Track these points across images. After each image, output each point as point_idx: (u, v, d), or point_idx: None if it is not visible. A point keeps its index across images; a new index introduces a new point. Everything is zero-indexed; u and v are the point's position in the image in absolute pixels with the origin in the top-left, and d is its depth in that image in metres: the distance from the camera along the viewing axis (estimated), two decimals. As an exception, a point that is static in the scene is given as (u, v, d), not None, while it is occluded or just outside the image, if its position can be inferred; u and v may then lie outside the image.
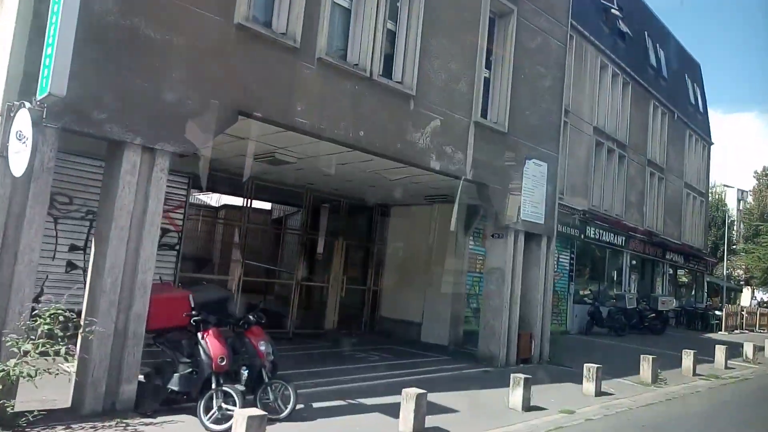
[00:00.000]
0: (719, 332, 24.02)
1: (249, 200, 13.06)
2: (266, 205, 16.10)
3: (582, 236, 19.71)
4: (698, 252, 30.02)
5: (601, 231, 20.91)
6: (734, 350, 15.74)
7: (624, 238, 22.52)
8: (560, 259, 18.87)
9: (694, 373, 12.51)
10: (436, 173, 10.51)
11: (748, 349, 15.59)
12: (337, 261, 14.79)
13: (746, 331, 26.01)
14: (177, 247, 11.33)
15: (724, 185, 66.11)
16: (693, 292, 30.77)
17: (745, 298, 61.34)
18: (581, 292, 20.47)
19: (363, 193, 14.31)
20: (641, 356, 11.34)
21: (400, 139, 9.70)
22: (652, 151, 25.38)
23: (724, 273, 44.91)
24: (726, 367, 13.93)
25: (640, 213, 24.36)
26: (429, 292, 14.39)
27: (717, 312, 24.76)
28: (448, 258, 14.02)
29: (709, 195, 68.75)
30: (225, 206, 15.88)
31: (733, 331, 25.11)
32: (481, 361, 11.72)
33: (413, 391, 6.66)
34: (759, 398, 10.92)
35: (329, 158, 10.24)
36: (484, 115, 11.60)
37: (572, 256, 19.41)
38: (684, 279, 29.57)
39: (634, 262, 23.75)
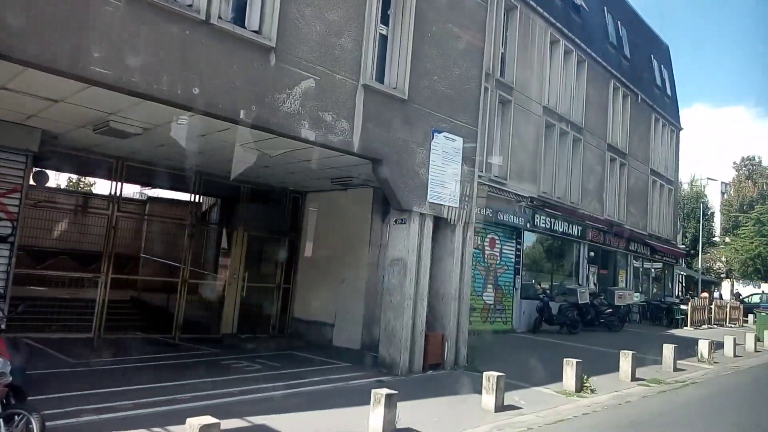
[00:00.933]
0: (684, 328, 22.48)
1: (119, 184, 11.20)
2: (163, 193, 14.28)
3: (529, 225, 18.04)
4: (667, 243, 28.51)
5: (552, 220, 19.26)
6: (691, 348, 14.15)
7: (580, 228, 20.89)
8: (504, 251, 17.20)
9: (633, 378, 10.85)
10: (312, 144, 8.73)
11: (703, 347, 13.98)
12: (236, 255, 12.98)
13: (714, 326, 24.53)
14: (11, 239, 9.45)
15: (708, 178, 65.01)
16: (663, 286, 29.27)
17: (726, 291, 60.43)
18: (540, 286, 18.81)
19: (263, 177, 12.51)
20: (564, 360, 9.64)
21: (257, 101, 7.91)
22: (613, 135, 23.78)
23: (700, 266, 43.52)
24: (675, 369, 12.30)
25: (600, 201, 22.74)
26: (342, 289, 12.61)
27: (683, 307, 23.21)
28: (361, 249, 12.25)
29: (692, 186, 68.13)
30: (87, 192, 14.02)
31: (700, 326, 23.60)
32: (381, 369, 9.98)
33: (196, 421, 4.89)
34: (698, 411, 9.22)
35: (178, 127, 8.44)
36: (380, 78, 9.87)
37: (519, 247, 17.73)
38: (654, 272, 28.03)
39: (592, 253, 22.12)
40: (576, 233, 20.70)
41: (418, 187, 10.13)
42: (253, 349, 11.72)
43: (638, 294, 24.38)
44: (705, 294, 39.68)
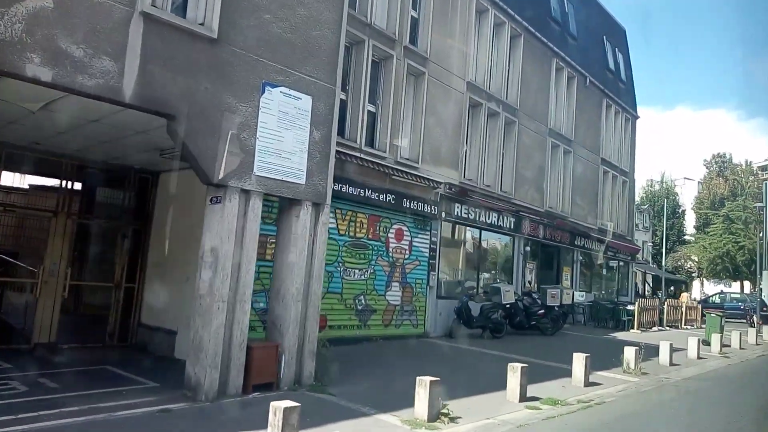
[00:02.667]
0: (631, 331, 20.42)
1: None
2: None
3: (447, 216, 15.79)
4: (620, 238, 26.53)
5: (478, 210, 17.05)
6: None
7: (514, 220, 18.73)
8: (416, 244, 14.94)
9: (523, 398, 8.63)
10: (49, 87, 6.36)
11: (629, 355, 11.83)
12: (56, 247, 10.53)
13: (666, 329, 22.54)
14: None
15: (685, 178, 63.43)
16: (617, 285, 27.28)
17: (696, 290, 58.97)
18: (459, 284, 16.61)
19: (84, 150, 10.12)
20: (417, 378, 7.38)
21: (-54, 20, 5.54)
22: (556, 119, 21.69)
23: (664, 264, 41.85)
24: (588, 384, 10.14)
25: (539, 191, 20.62)
26: (187, 289, 10.23)
27: (629, 307, 21.16)
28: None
29: (662, 184, 66.62)
30: None
31: (650, 328, 21.59)
32: (186, 392, 7.63)
33: None
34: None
35: None
36: (178, 10, 7.55)
37: (434, 239, 15.48)
38: (605, 270, 25.99)
39: (528, 248, 19.98)
40: (508, 226, 18.52)
41: (239, 155, 7.80)
42: (60, 363, 9.31)
43: (583, 293, 22.32)
44: (684, 295, 37.92)
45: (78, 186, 11.17)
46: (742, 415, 8.67)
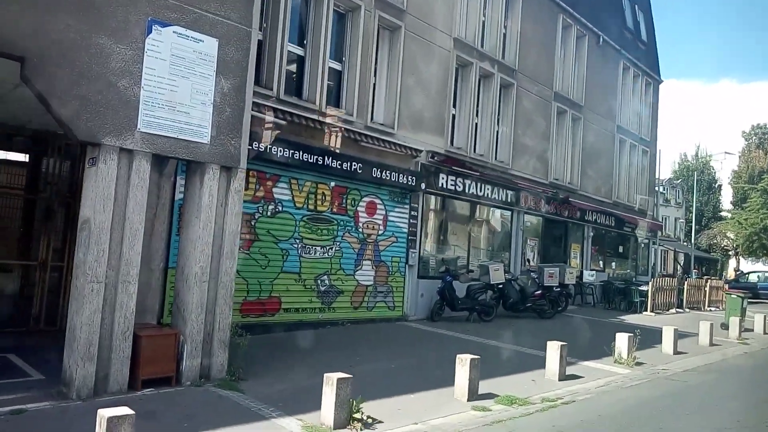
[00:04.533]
0: (644, 313, 18.64)
1: None
2: None
3: (429, 188, 14.27)
4: (640, 213, 24.53)
5: (467, 181, 15.47)
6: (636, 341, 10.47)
7: (512, 193, 17.07)
8: (391, 219, 13.51)
9: (474, 396, 7.23)
10: None
11: (621, 342, 10.24)
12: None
13: (686, 311, 20.65)
14: None
15: (725, 152, 59.76)
16: (635, 263, 25.34)
17: (731, 269, 55.83)
18: (443, 263, 15.14)
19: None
20: (325, 376, 6.02)
21: None
22: (563, 83, 19.79)
23: (693, 242, 39.37)
24: (563, 377, 8.66)
25: (543, 161, 18.86)
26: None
27: (642, 288, 19.32)
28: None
29: (697, 158, 63.29)
30: None
31: (667, 310, 19.75)
32: (62, 388, 6.46)
33: None
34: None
35: None
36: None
37: (414, 213, 14.01)
38: (621, 247, 24.08)
39: (529, 224, 18.32)
40: (505, 199, 16.88)
41: (117, 107, 6.48)
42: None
43: (593, 272, 20.54)
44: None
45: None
46: (743, 425, 7.06)
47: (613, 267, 23.62)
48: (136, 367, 6.70)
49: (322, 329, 11.64)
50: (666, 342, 11.66)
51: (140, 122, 6.67)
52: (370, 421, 6.04)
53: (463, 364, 7.31)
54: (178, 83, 6.98)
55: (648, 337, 12.34)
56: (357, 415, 5.95)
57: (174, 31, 6.94)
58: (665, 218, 46.28)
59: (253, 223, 10.86)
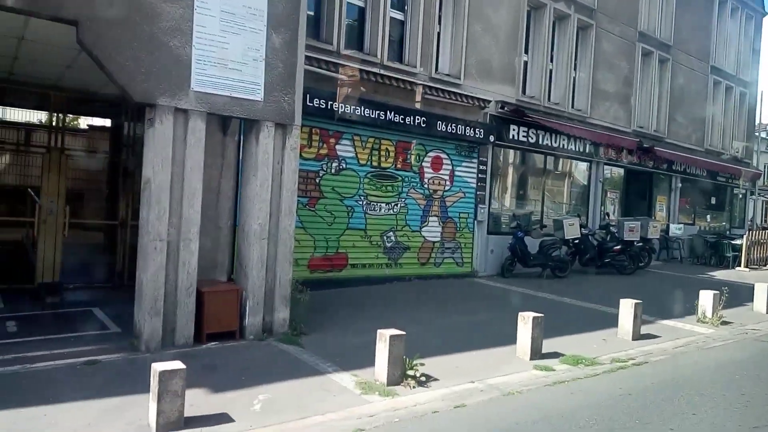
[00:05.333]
0: (737, 269, 17.32)
1: None
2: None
3: (496, 140, 13.68)
4: (735, 162, 22.58)
5: (540, 133, 14.73)
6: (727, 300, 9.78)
7: (589, 144, 16.11)
8: (459, 174, 13.14)
9: (538, 355, 6.97)
10: None
11: (705, 300, 9.53)
12: (52, 183, 10.07)
13: (787, 266, 19.00)
14: None
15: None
16: (729, 216, 23.53)
17: None
18: (514, 217, 14.61)
19: (73, 79, 9.40)
20: (378, 332, 5.95)
21: None
22: (648, 21, 18.21)
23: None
24: (637, 337, 8.18)
25: (625, 108, 17.62)
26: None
27: (735, 242, 17.88)
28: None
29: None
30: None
31: (764, 265, 18.25)
32: (133, 341, 6.82)
33: None
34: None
35: None
36: None
37: (483, 168, 13.55)
38: (713, 199, 22.35)
39: (609, 175, 17.29)
40: (582, 149, 15.98)
41: (170, 67, 6.52)
42: (49, 304, 8.93)
43: (680, 226, 19.22)
44: None
45: (71, 119, 10.58)
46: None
47: (708, 220, 22.07)
48: (201, 321, 6.93)
49: (389, 285, 11.64)
50: (758, 300, 10.76)
51: (193, 81, 6.70)
52: (424, 378, 5.94)
53: (525, 322, 7.04)
54: (228, 40, 6.92)
55: (738, 295, 11.50)
56: (411, 372, 5.87)
57: (223, -14, 6.84)
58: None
59: (317, 181, 10.87)
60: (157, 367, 4.63)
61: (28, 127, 13.13)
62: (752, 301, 10.91)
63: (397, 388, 5.75)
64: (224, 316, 7.10)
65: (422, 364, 5.99)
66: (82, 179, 12.40)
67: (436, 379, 6.05)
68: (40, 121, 11.38)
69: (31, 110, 11.87)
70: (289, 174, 7.54)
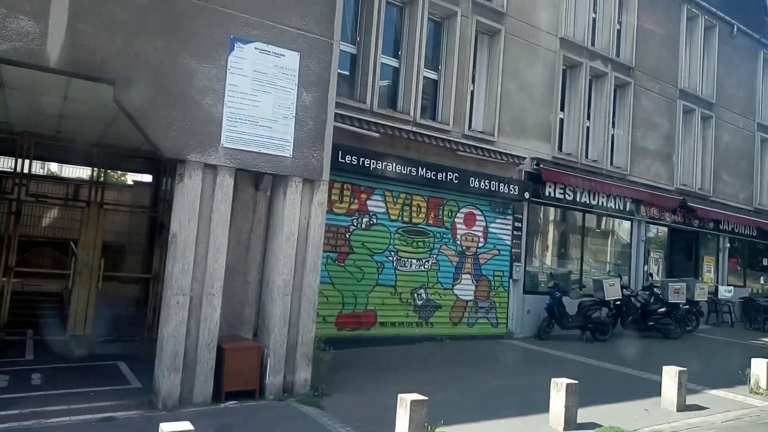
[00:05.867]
0: (796, 334, 16.25)
1: None
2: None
3: (532, 197, 13.43)
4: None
5: (579, 190, 14.44)
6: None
7: (629, 201, 15.68)
8: (492, 230, 12.91)
9: (572, 426, 6.51)
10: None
11: (758, 368, 8.85)
12: (89, 236, 10.33)
13: None
14: None
15: None
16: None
17: None
18: (552, 277, 14.16)
19: (109, 137, 9.79)
20: (399, 396, 5.66)
21: None
22: (689, 79, 17.98)
23: None
24: (682, 408, 7.61)
25: (667, 166, 17.18)
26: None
27: (791, 305, 16.87)
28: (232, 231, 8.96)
29: None
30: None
31: (827, 331, 17.05)
32: (152, 397, 6.71)
33: None
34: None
35: None
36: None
37: (518, 225, 13.29)
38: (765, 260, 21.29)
39: (651, 234, 16.71)
40: (623, 207, 15.56)
41: (201, 124, 6.67)
42: (77, 357, 8.98)
43: (731, 288, 18.25)
44: None
45: (110, 174, 10.92)
46: None
47: (762, 282, 20.97)
48: (221, 379, 6.79)
49: (419, 345, 11.30)
50: (820, 371, 9.92)
51: (223, 138, 6.82)
52: (441, 451, 5.60)
53: (558, 390, 6.63)
54: (260, 98, 7.07)
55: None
56: (433, 442, 5.54)
57: (256, 47, 7.05)
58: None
59: (347, 236, 10.81)
60: (165, 427, 4.47)
61: (77, 182, 13.67)
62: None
63: (414, 460, 5.41)
64: (245, 374, 6.94)
65: (445, 433, 5.66)
66: (121, 233, 12.64)
67: (454, 453, 5.69)
68: (78, 178, 11.79)
69: (77, 166, 12.30)
70: (315, 229, 7.50)
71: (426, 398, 5.65)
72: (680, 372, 7.64)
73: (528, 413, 7.05)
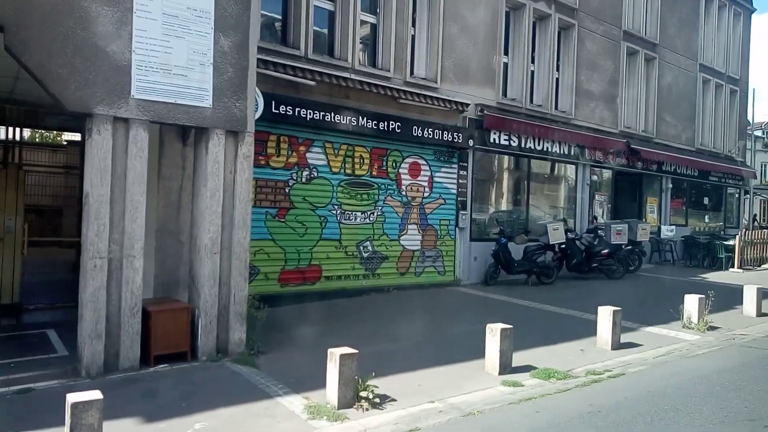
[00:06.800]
0: (730, 270, 16.91)
1: None
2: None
3: (480, 144, 13.33)
4: (727, 160, 22.21)
5: (524, 136, 14.36)
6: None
7: (574, 146, 15.75)
8: (438, 180, 12.76)
9: (508, 369, 6.55)
10: None
11: (691, 305, 9.11)
12: (9, 199, 9.69)
13: (783, 265, 18.58)
14: None
15: None
16: (723, 216, 23.11)
17: None
18: (496, 222, 14.16)
19: (24, 93, 9.07)
20: (328, 351, 5.53)
21: None
22: (633, 20, 17.90)
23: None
24: (617, 346, 7.77)
25: (611, 109, 17.26)
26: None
27: (728, 242, 17.47)
28: (152, 184, 8.48)
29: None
30: None
31: (759, 266, 17.83)
32: (77, 365, 6.40)
33: None
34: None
35: None
36: None
37: (463, 173, 13.17)
38: (707, 199, 21.95)
39: (596, 177, 16.92)
40: (567, 152, 15.61)
41: (107, 74, 6.15)
42: (4, 327, 8.60)
43: (672, 227, 18.80)
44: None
45: (37, 134, 10.22)
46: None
47: (705, 221, 21.68)
48: (148, 343, 6.52)
49: (366, 297, 11.23)
50: (748, 303, 10.35)
51: (134, 88, 6.32)
52: (379, 400, 5.53)
53: (493, 335, 6.63)
54: (172, 44, 6.56)
55: (729, 298, 11.12)
56: (364, 394, 5.45)
57: (164, -12, 6.49)
58: (764, 164, 42.18)
59: (287, 191, 10.49)
60: (71, 398, 4.21)
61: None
62: (742, 303, 10.49)
63: (348, 411, 5.33)
64: (174, 336, 6.69)
65: (376, 387, 5.58)
66: (57, 196, 11.97)
67: (393, 400, 5.64)
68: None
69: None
70: (242, 184, 7.15)
71: (356, 351, 5.52)
72: (614, 311, 7.77)
73: (465, 360, 7.05)
